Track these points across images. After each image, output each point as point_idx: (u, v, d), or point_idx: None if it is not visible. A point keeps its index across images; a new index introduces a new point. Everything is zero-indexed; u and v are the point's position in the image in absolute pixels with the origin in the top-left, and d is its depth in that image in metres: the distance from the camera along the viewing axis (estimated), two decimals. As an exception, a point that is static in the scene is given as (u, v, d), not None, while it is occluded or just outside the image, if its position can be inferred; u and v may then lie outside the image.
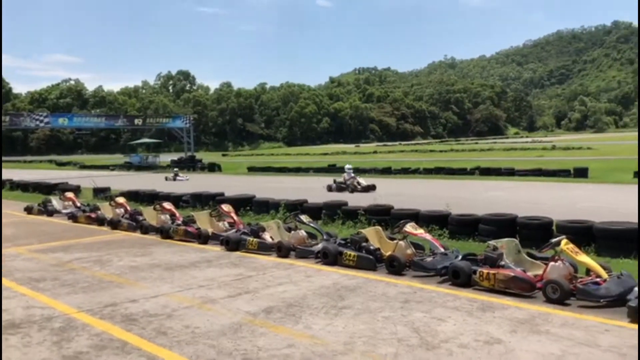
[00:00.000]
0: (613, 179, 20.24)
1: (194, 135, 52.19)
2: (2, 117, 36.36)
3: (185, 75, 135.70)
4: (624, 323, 4.80)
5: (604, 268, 5.76)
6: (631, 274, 5.73)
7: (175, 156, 49.46)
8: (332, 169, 31.97)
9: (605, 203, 13.42)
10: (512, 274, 5.82)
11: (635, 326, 4.71)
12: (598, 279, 5.57)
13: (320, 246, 7.85)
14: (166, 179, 28.45)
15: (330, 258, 7.42)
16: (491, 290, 5.89)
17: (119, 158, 57.21)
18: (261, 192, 15.09)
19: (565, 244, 5.86)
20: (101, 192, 18.61)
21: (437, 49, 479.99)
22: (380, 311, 5.30)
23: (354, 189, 18.44)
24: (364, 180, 19.36)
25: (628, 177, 20.61)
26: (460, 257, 6.67)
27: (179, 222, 10.48)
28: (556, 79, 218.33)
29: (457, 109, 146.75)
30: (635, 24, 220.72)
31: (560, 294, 5.40)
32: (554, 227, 8.44)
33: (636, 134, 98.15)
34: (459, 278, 6.17)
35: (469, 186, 19.98)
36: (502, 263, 6.12)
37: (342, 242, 7.80)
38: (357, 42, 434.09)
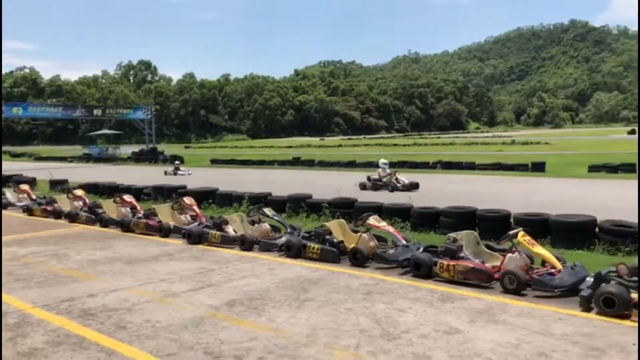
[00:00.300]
0: (569, 173, 20.91)
1: (155, 126, 51.10)
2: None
3: (147, 65, 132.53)
4: (576, 312, 4.99)
5: (559, 259, 5.96)
6: (584, 265, 5.95)
7: (136, 148, 48.41)
8: (297, 162, 31.98)
9: (561, 196, 13.87)
10: (471, 265, 5.96)
11: (587, 315, 4.91)
12: (553, 270, 5.77)
13: (283, 239, 7.85)
14: (165, 173, 25.33)
15: (293, 251, 7.43)
16: (451, 282, 6.02)
17: (77, 149, 55.59)
18: (226, 185, 14.96)
19: (522, 236, 6.04)
20: (58, 185, 18.08)
21: (402, 44, 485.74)
22: (343, 303, 5.35)
23: (394, 188, 16.09)
24: (404, 177, 16.85)
25: (583, 171, 21.35)
26: (421, 249, 6.79)
27: (140, 215, 10.28)
28: (516, 75, 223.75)
29: (420, 104, 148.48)
30: (592, 23, 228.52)
31: (517, 285, 5.56)
32: (511, 220, 8.68)
33: (591, 129, 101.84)
34: (420, 270, 6.28)
35: (431, 179, 20.30)
36: (462, 255, 6.27)
37: (306, 235, 7.81)
38: (323, 35, 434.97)
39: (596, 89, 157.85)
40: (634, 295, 4.80)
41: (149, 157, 40.06)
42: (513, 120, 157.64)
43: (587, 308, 5.02)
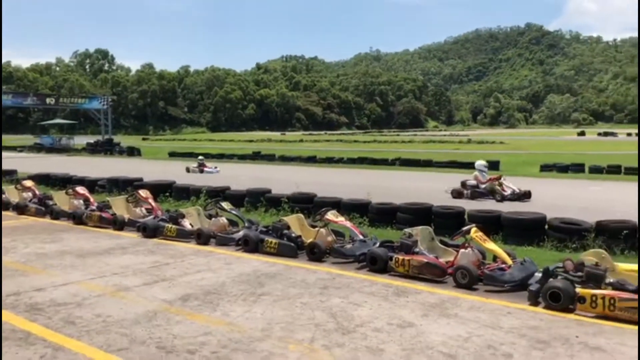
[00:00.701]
0: (522, 172, 21.56)
1: (112, 117, 49.79)
2: None
3: (104, 54, 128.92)
4: (524, 306, 5.16)
5: (509, 255, 6.16)
6: (533, 260, 6.16)
7: (91, 139, 46.97)
8: (257, 156, 31.78)
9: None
10: (426, 260, 6.08)
11: (534, 308, 5.08)
12: (503, 265, 5.95)
13: (241, 233, 7.79)
14: (188, 170, 21.52)
15: (251, 245, 7.38)
16: (406, 276, 6.11)
17: (28, 139, 53.39)
18: (185, 178, 14.72)
19: (475, 232, 6.20)
20: (7, 175, 17.36)
21: (363, 41, 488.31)
22: (299, 297, 5.36)
23: (502, 197, 13.00)
24: (511, 183, 13.69)
25: (535, 171, 22.11)
26: (377, 244, 6.87)
27: (93, 207, 9.99)
28: (474, 75, 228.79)
29: (381, 101, 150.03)
30: (546, 27, 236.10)
31: (469, 279, 5.71)
32: (465, 216, 8.89)
33: (543, 130, 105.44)
34: (376, 264, 6.36)
35: (390, 176, 20.58)
36: (417, 250, 6.38)
37: (264, 229, 7.77)
38: (285, 29, 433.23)
39: (549, 91, 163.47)
40: (579, 290, 5.01)
41: (105, 148, 38.98)
42: (470, 119, 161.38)
43: (535, 302, 5.20)
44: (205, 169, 21.35)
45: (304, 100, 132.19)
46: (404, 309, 5.02)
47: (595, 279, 5.10)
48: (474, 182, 13.84)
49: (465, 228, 6.40)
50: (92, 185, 14.12)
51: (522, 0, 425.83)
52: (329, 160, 28.50)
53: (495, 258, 6.22)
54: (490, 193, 13.38)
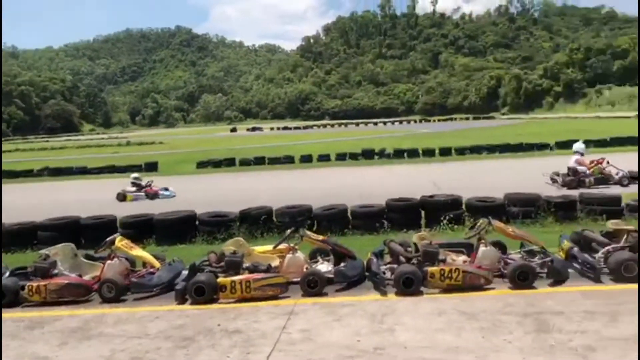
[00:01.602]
0: (179, 171, 22.17)
1: None
2: None
3: None
4: (172, 306, 5.19)
5: (158, 258, 6.11)
6: (182, 259, 6.24)
7: None
8: None
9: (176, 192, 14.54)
10: (66, 282, 5.51)
11: (182, 307, 5.16)
12: (152, 270, 5.86)
13: None
14: (122, 197, 13.93)
15: None
16: (45, 304, 5.41)
17: None
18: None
19: (120, 241, 5.92)
20: None
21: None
22: None
23: (629, 179, 11.74)
24: (616, 164, 12.25)
25: (191, 168, 22.97)
26: (7, 274, 5.87)
27: None
28: (129, 75, 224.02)
29: (23, 104, 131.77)
30: (195, 30, 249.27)
31: (116, 292, 5.43)
32: (118, 224, 8.51)
33: (200, 128, 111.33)
34: (4, 299, 5.40)
35: (41, 190, 18.29)
36: (55, 272, 5.71)
37: None
38: None
39: (203, 91, 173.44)
40: (220, 279, 5.31)
41: None
42: (129, 121, 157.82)
43: (182, 300, 5.28)
44: (162, 192, 14.18)
45: None
46: (37, 343, 4.40)
47: (233, 266, 5.50)
48: (583, 168, 12.31)
49: (109, 238, 6.03)
50: None
51: (169, 3, 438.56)
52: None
53: (145, 264, 6.08)
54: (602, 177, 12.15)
